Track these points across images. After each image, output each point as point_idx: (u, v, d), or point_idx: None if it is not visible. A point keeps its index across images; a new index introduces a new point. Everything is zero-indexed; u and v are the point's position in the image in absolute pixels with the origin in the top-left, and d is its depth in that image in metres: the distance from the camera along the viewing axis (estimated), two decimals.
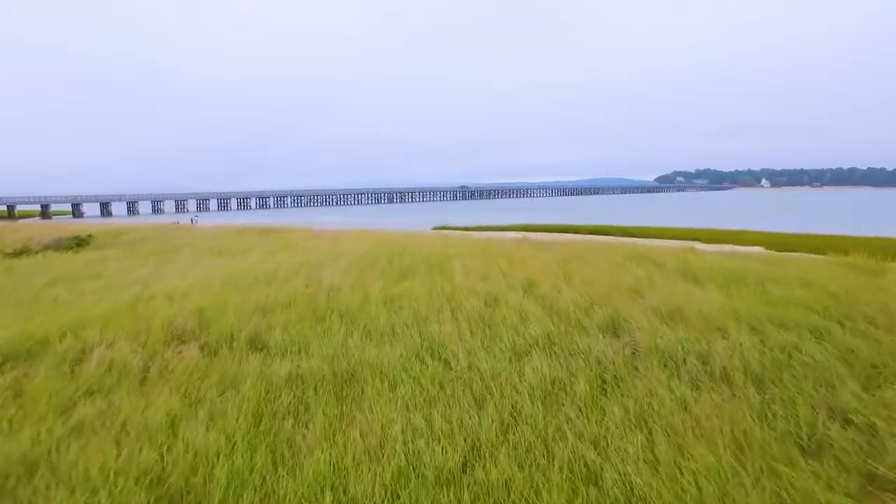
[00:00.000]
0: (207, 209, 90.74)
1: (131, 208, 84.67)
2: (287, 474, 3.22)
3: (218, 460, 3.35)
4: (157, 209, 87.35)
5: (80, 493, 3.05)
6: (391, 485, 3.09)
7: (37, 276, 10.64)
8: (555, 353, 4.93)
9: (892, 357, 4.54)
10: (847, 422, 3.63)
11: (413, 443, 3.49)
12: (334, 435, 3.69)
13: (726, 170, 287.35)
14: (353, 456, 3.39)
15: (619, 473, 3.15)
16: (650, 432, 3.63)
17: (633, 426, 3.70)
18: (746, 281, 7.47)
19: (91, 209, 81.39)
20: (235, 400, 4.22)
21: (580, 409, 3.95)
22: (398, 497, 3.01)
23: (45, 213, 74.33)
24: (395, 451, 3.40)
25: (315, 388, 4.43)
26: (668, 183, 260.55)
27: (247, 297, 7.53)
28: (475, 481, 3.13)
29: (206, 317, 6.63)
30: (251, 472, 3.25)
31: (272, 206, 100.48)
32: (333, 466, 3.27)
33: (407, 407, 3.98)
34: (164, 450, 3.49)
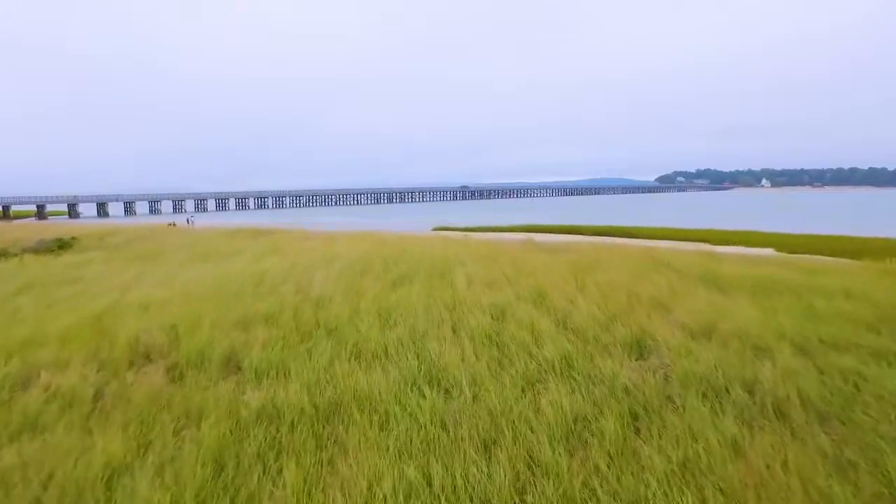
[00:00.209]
0: (205, 209, 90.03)
1: (128, 209, 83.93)
2: None
3: None
4: (154, 209, 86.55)
5: None
6: None
7: (8, 283, 9.93)
8: (574, 381, 4.22)
9: None
10: None
11: None
12: (310, 492, 2.98)
13: (727, 170, 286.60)
14: None
15: None
16: (700, 489, 2.92)
17: (678, 481, 2.98)
18: (779, 291, 6.76)
19: (88, 209, 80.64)
20: (194, 441, 3.50)
21: (611, 457, 3.23)
22: None
23: (40, 213, 73.56)
24: None
25: (292, 425, 3.71)
26: (669, 183, 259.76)
27: (227, 309, 6.83)
28: None
29: (179, 332, 5.93)
30: None
31: (271, 206, 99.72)
32: None
33: (400, 454, 3.26)
34: None
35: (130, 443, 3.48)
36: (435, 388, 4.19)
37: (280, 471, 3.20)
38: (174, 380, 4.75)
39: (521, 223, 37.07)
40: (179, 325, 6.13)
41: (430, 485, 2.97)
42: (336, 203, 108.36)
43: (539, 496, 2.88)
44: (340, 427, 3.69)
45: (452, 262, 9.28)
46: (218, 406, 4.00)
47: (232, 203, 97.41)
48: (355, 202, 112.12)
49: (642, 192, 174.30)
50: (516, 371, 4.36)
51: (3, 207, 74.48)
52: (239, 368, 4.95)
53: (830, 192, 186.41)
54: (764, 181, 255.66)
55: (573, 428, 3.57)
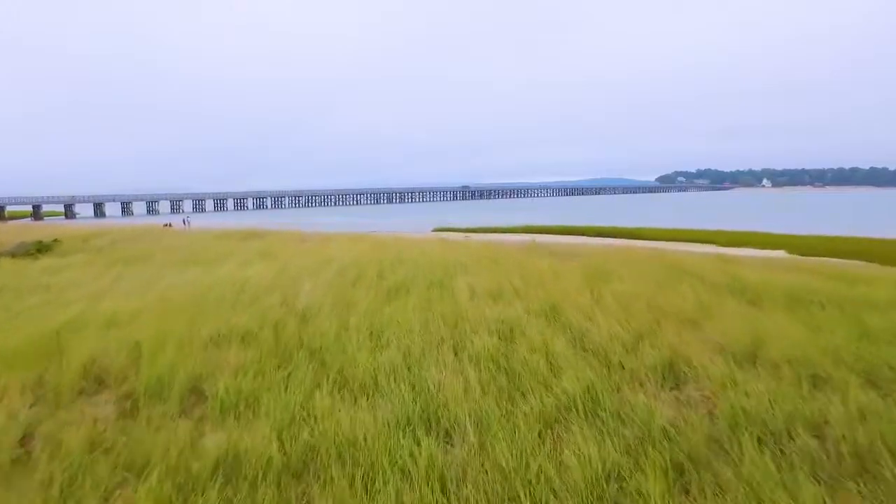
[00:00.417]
0: (203, 210, 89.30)
1: (126, 209, 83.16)
2: None
3: None
4: (152, 210, 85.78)
5: None
6: None
7: None
8: (601, 421, 3.49)
9: None
10: None
11: None
12: None
13: (727, 170, 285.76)
14: None
15: None
16: None
17: None
18: (819, 303, 6.04)
19: (85, 210, 79.88)
20: None
21: None
22: None
23: (36, 214, 72.78)
24: None
25: (253, 483, 2.98)
26: (669, 183, 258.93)
27: (202, 323, 6.11)
28: None
29: (142, 351, 5.21)
30: None
31: (269, 206, 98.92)
32: None
33: None
34: None
35: None
36: (433, 430, 3.46)
37: None
38: (126, 414, 4.02)
39: (522, 224, 36.31)
40: (145, 343, 5.40)
41: None
42: (335, 203, 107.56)
43: None
44: (315, 486, 2.96)
45: (453, 268, 8.55)
46: (168, 455, 3.26)
47: (230, 203, 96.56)
48: (355, 202, 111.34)
49: (643, 193, 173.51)
50: (531, 408, 3.63)
51: None
52: (203, 398, 4.22)
53: (831, 192, 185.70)
54: (765, 181, 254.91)
55: (605, 489, 2.83)
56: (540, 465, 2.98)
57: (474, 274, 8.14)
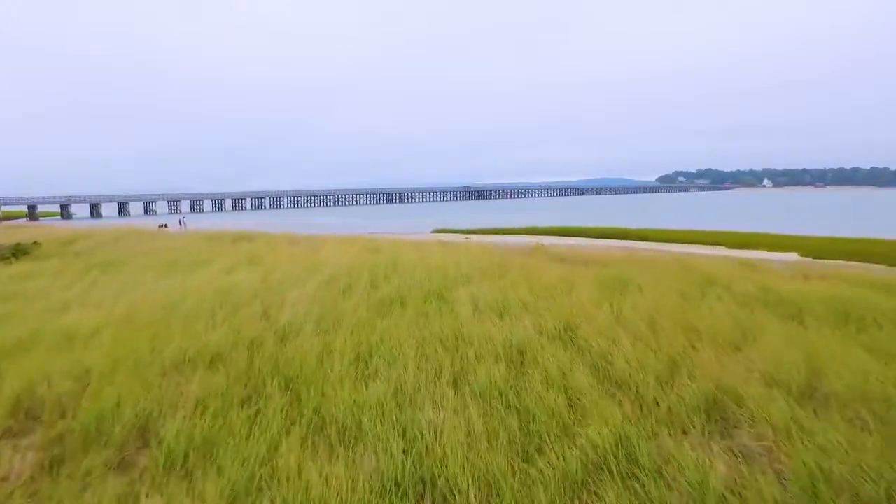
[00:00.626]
0: (201, 210, 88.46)
1: (122, 209, 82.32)
2: None
3: None
4: (149, 210, 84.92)
5: None
6: None
7: None
8: (640, 483, 2.74)
9: None
10: None
11: None
12: None
13: (728, 169, 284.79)
14: None
15: None
16: None
17: None
18: (871, 321, 5.29)
19: (82, 210, 79.09)
20: None
21: None
22: None
23: (31, 214, 71.95)
24: None
25: None
26: (670, 183, 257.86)
27: (168, 340, 5.36)
28: None
29: (92, 378, 4.48)
30: None
31: (268, 206, 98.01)
32: None
33: None
34: None
35: None
36: (427, 497, 2.71)
37: None
38: (48, 466, 3.28)
39: (524, 225, 35.52)
40: (96, 369, 4.68)
41: None
42: (334, 204, 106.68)
43: None
44: None
45: (453, 276, 7.80)
46: None
47: (228, 203, 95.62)
48: (354, 202, 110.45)
49: (644, 193, 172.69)
50: (551, 467, 2.88)
51: None
52: (147, 444, 3.48)
53: (833, 192, 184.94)
54: (766, 181, 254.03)
55: None
56: None
57: (476, 283, 7.39)
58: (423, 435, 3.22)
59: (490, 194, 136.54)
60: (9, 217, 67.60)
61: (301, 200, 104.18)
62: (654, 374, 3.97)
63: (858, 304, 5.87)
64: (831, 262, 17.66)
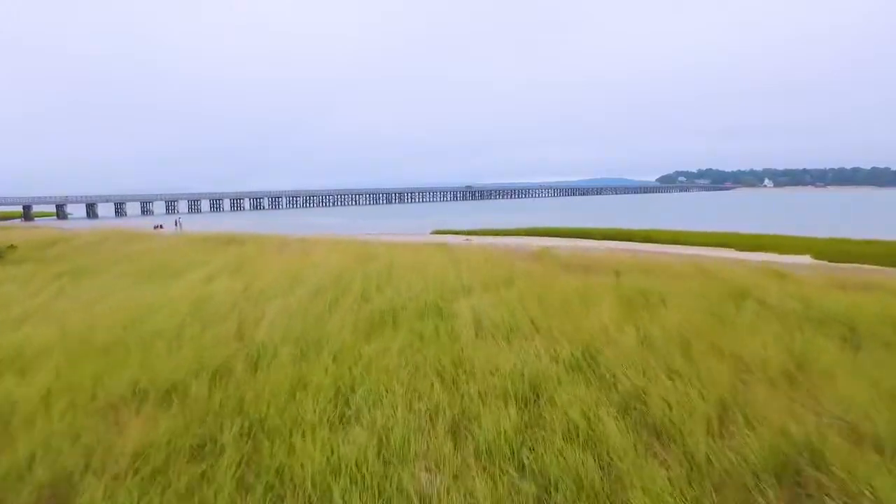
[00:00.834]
0: (199, 210, 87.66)
1: (119, 210, 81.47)
2: None
3: None
4: (146, 210, 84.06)
5: None
6: None
7: None
8: None
9: None
10: None
11: None
12: None
13: (728, 169, 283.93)
14: None
15: None
16: None
17: None
18: None
19: (78, 210, 78.26)
20: None
21: None
22: None
23: (27, 214, 71.12)
24: None
25: None
26: (670, 183, 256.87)
27: (121, 367, 4.62)
28: None
29: (12, 420, 3.73)
30: None
31: (266, 206, 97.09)
32: None
33: None
34: None
35: None
36: None
37: None
38: None
39: (525, 226, 34.69)
40: (23, 405, 3.92)
41: None
42: (333, 204, 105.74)
43: None
44: None
45: (453, 286, 7.03)
46: None
47: (227, 204, 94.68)
48: (353, 203, 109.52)
49: (644, 193, 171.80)
50: None
51: None
52: None
53: (833, 192, 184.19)
54: (766, 181, 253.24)
55: None
56: None
57: (479, 294, 6.62)
58: None
59: (490, 194, 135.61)
60: (3, 217, 66.83)
61: (300, 201, 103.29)
62: (701, 419, 3.20)
63: None
64: (847, 265, 16.89)
